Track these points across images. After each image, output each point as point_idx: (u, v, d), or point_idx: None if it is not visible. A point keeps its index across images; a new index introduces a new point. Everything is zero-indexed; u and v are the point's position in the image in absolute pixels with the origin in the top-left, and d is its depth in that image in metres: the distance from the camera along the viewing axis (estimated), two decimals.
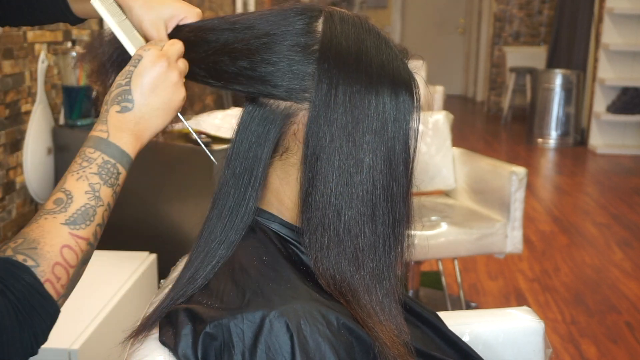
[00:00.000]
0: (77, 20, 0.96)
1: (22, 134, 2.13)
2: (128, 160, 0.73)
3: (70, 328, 1.40)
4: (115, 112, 0.73)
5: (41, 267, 0.66)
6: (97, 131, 0.73)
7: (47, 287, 0.66)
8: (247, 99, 0.79)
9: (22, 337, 0.64)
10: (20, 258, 0.65)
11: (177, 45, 0.77)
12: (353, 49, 0.74)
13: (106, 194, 0.71)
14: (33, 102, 2.18)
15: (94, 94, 2.42)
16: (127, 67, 0.74)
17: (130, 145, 0.73)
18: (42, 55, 2.21)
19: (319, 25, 0.76)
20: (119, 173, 0.72)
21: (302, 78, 0.75)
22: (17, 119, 2.10)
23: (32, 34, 2.16)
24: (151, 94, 0.74)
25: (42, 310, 0.66)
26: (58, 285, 0.67)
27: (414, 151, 0.79)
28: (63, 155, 2.28)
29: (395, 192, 0.76)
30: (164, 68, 0.74)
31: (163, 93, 0.74)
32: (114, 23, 0.78)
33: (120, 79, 0.74)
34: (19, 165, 2.12)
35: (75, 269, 0.69)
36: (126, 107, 0.73)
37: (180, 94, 0.76)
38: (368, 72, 0.74)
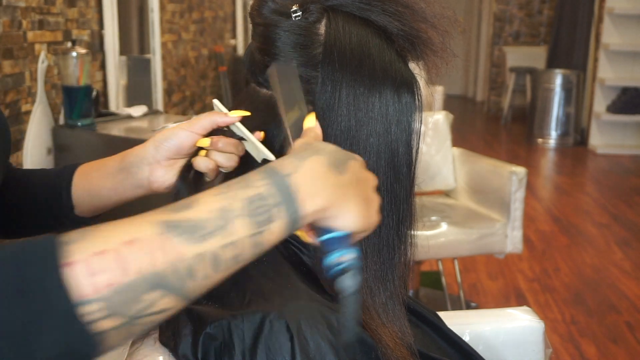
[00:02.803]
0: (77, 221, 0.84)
1: (22, 134, 2.13)
2: (295, 215, 0.53)
3: None
4: (323, 162, 0.56)
5: (77, 245, 0.46)
6: (282, 164, 0.56)
7: (66, 271, 0.45)
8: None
9: (8, 324, 0.44)
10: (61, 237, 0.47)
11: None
12: (356, 51, 0.74)
13: (241, 229, 0.51)
14: (33, 102, 2.18)
15: (94, 93, 2.42)
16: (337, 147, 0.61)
17: (314, 203, 0.54)
18: (42, 55, 2.21)
19: (322, 28, 0.75)
20: (270, 220, 0.52)
21: (306, 81, 0.74)
22: (17, 119, 2.10)
23: (32, 34, 2.16)
24: (362, 184, 0.59)
25: (45, 299, 0.44)
26: (94, 280, 0.45)
27: (416, 152, 0.78)
28: (63, 155, 2.28)
29: (398, 193, 0.76)
30: (373, 183, 0.62)
31: (369, 194, 0.60)
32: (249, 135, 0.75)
33: (334, 146, 0.61)
34: (18, 166, 2.12)
35: (137, 278, 0.46)
36: (337, 168, 0.57)
37: (377, 214, 0.61)
38: (371, 74, 0.74)
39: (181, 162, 0.79)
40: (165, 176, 0.79)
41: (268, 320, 0.67)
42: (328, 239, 0.56)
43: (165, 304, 0.49)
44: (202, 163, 0.76)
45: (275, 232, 0.53)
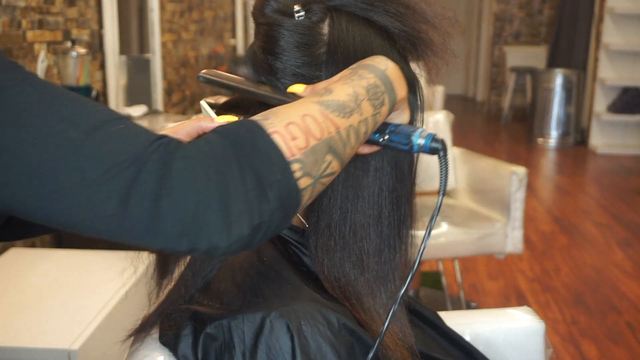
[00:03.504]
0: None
1: None
2: (393, 101, 0.67)
3: (70, 328, 1.40)
4: (395, 64, 0.69)
5: (270, 120, 0.56)
6: (376, 61, 0.68)
7: (275, 138, 0.55)
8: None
9: (242, 174, 0.53)
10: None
11: None
12: (360, 51, 0.74)
13: (367, 109, 0.63)
14: None
15: (94, 93, 2.42)
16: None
17: (401, 93, 0.68)
18: (42, 55, 2.21)
19: (325, 27, 0.75)
20: (382, 104, 0.65)
21: (309, 81, 0.74)
22: None
23: (31, 33, 2.16)
24: None
25: (266, 155, 0.54)
26: (292, 144, 0.56)
27: None
28: None
29: (400, 193, 0.76)
30: None
31: None
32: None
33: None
34: None
35: (318, 143, 0.57)
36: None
37: None
38: None
39: None
40: None
41: (268, 320, 0.67)
42: (400, 125, 0.69)
43: (334, 167, 0.60)
44: None
45: (383, 113, 0.66)
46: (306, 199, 0.57)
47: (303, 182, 0.56)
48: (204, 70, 0.76)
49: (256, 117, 0.57)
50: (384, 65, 0.68)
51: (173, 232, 0.51)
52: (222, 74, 0.76)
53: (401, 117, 0.70)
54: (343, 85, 0.63)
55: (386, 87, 0.66)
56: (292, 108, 0.59)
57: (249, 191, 0.53)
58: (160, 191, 0.51)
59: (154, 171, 0.51)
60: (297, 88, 0.72)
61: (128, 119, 0.55)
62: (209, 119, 0.73)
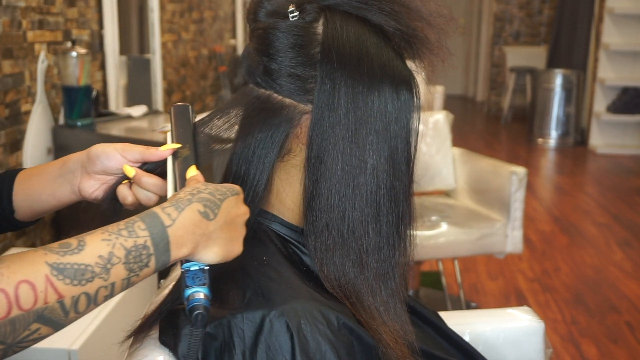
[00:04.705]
0: (22, 225, 0.86)
1: (22, 134, 2.13)
2: (165, 263, 0.62)
3: (70, 328, 1.40)
4: (197, 210, 0.63)
5: None
6: (164, 213, 0.63)
7: None
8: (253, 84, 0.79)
9: None
10: None
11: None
12: (355, 49, 0.74)
13: (119, 273, 0.59)
14: (33, 102, 2.18)
15: (94, 93, 2.42)
16: (218, 186, 0.68)
17: (181, 252, 0.63)
18: (42, 55, 2.21)
19: (319, 27, 0.75)
20: (146, 266, 0.61)
21: (305, 81, 0.74)
22: (17, 119, 2.09)
23: (32, 33, 2.16)
24: (229, 225, 0.66)
25: None
26: None
27: (415, 150, 0.79)
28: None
29: (398, 191, 0.76)
30: (245, 216, 0.69)
31: (234, 233, 0.67)
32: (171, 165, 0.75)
33: (212, 188, 0.67)
34: (18, 165, 2.11)
35: (24, 314, 0.54)
36: (207, 215, 0.64)
37: (239, 246, 0.68)
38: (370, 72, 0.74)
39: (113, 179, 0.78)
40: (94, 187, 0.79)
41: (268, 319, 0.67)
42: (188, 271, 0.65)
43: (42, 332, 0.56)
44: (122, 194, 0.76)
45: (144, 275, 0.61)
46: None
47: None
48: (177, 104, 0.78)
49: None
50: (171, 219, 0.62)
51: None
52: (183, 117, 0.77)
53: (207, 255, 0.65)
54: (101, 243, 0.58)
55: (157, 250, 0.61)
56: (17, 267, 0.54)
57: None
58: None
59: None
60: (191, 172, 0.71)
61: None
62: (154, 149, 0.74)
